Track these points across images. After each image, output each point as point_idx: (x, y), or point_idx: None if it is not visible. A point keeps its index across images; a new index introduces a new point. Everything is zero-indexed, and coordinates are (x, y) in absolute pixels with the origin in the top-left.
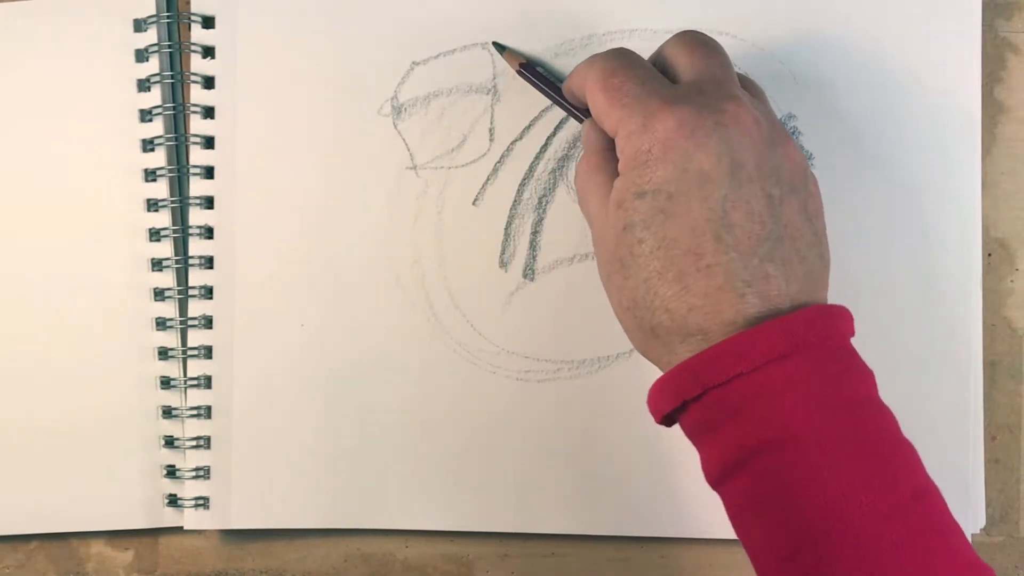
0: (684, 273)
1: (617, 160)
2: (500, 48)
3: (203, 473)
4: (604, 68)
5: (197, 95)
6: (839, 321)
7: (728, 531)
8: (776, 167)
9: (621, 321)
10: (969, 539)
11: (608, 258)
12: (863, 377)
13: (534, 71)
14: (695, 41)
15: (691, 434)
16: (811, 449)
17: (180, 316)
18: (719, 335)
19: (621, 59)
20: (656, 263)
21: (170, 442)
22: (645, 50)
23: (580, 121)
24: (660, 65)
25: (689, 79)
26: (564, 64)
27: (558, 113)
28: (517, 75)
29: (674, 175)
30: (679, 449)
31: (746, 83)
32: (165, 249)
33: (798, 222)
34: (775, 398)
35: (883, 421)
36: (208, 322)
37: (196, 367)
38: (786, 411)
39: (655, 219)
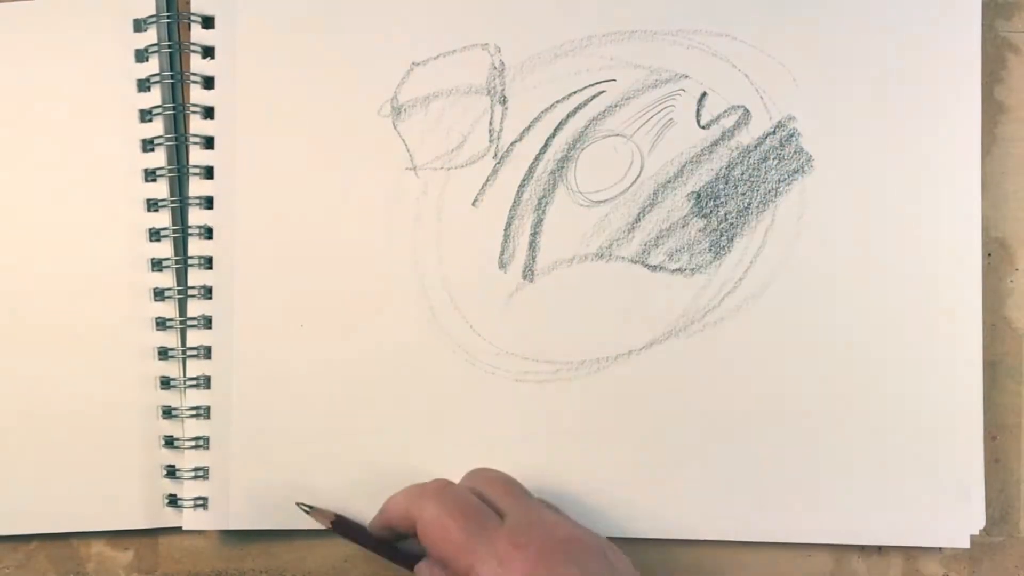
0: None
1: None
2: (307, 509)
3: (202, 473)
4: (438, 509)
5: (197, 95)
6: None
7: (728, 532)
8: (615, 570)
9: None
10: (969, 539)
11: None
12: None
13: (347, 523)
14: (502, 480)
15: None
16: None
17: (180, 316)
18: None
19: (451, 498)
20: None
21: (170, 442)
22: (645, 51)
23: (406, 566)
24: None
25: (513, 512)
26: (564, 64)
27: (557, 114)
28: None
29: None
30: (679, 449)
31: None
32: (165, 249)
33: None
34: None
35: None
36: (207, 322)
37: (195, 367)
38: None
39: None
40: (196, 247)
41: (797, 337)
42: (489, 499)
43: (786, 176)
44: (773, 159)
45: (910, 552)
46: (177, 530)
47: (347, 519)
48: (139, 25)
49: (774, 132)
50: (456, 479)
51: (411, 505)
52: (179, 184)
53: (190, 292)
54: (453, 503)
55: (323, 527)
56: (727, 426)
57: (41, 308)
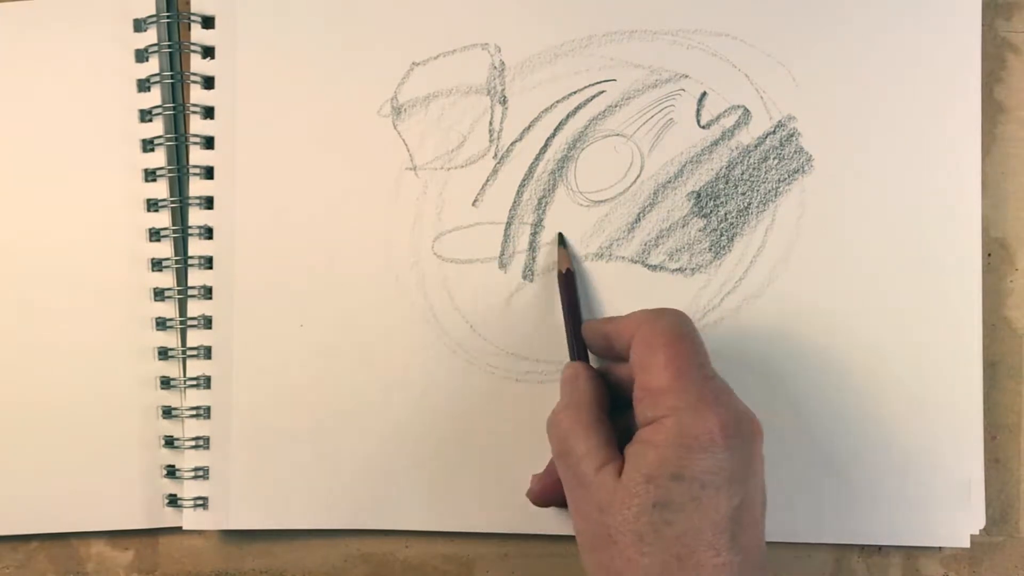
0: (701, 564)
1: (607, 419)
2: (562, 241)
3: (202, 473)
4: (672, 327)
5: (197, 95)
6: None
7: None
8: (764, 485)
9: None
10: (969, 539)
11: (614, 525)
12: None
13: (573, 284)
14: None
15: None
16: None
17: (180, 316)
18: None
19: (689, 327)
20: (679, 548)
21: (170, 442)
22: (645, 51)
23: (571, 357)
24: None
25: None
26: (564, 64)
27: (557, 114)
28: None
29: (712, 468)
30: None
31: None
32: (165, 249)
33: (763, 537)
34: None
35: None
36: (207, 322)
37: (196, 367)
38: None
39: (687, 505)
40: (196, 247)
41: (797, 337)
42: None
43: (786, 176)
44: (773, 159)
45: (910, 552)
46: (177, 530)
47: (575, 280)
48: (139, 25)
49: (774, 132)
50: (456, 479)
51: (647, 314)
52: (179, 184)
53: (190, 292)
54: (688, 328)
55: (560, 267)
56: None
57: (41, 308)
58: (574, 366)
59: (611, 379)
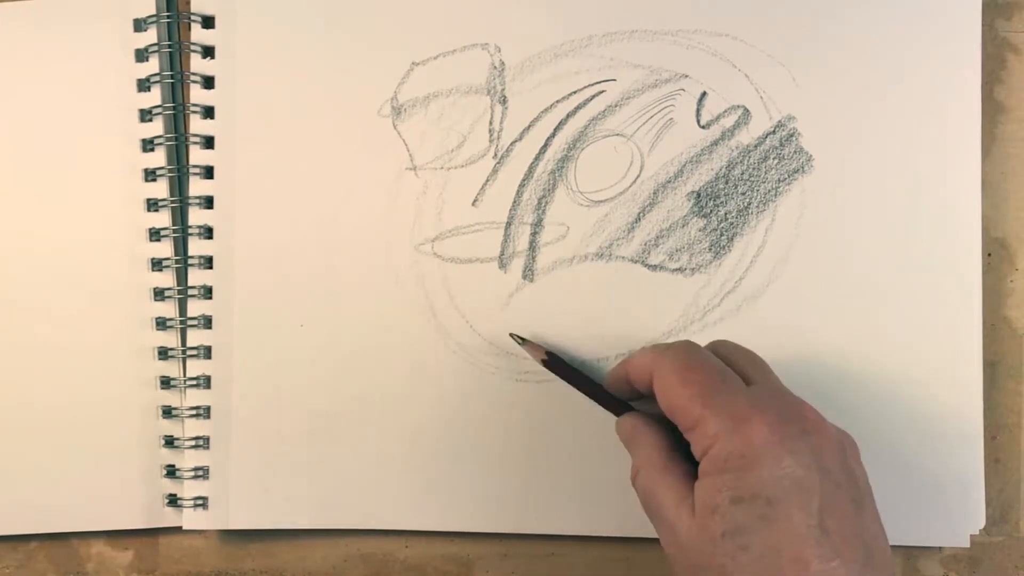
0: None
1: (678, 457)
2: (520, 340)
3: (202, 473)
4: (680, 362)
5: (197, 95)
6: None
7: None
8: (852, 473)
9: None
10: (969, 539)
11: (700, 563)
12: None
13: (561, 361)
14: (750, 354)
15: None
16: None
17: (180, 316)
18: None
19: (696, 354)
20: (764, 571)
21: (170, 442)
22: (645, 51)
23: (616, 413)
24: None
25: (759, 382)
26: (564, 64)
27: (557, 114)
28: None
29: (770, 481)
30: None
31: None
32: (165, 249)
33: (876, 528)
34: None
35: None
36: (207, 322)
37: (196, 367)
38: None
39: (757, 525)
40: (196, 247)
41: (797, 337)
42: (735, 364)
43: (786, 176)
44: (773, 159)
45: (910, 552)
46: (177, 530)
47: (560, 356)
48: (139, 25)
49: (774, 132)
50: (456, 478)
51: (655, 357)
52: (179, 184)
53: (190, 292)
54: (697, 357)
55: (536, 360)
56: None
57: (41, 308)
58: (626, 420)
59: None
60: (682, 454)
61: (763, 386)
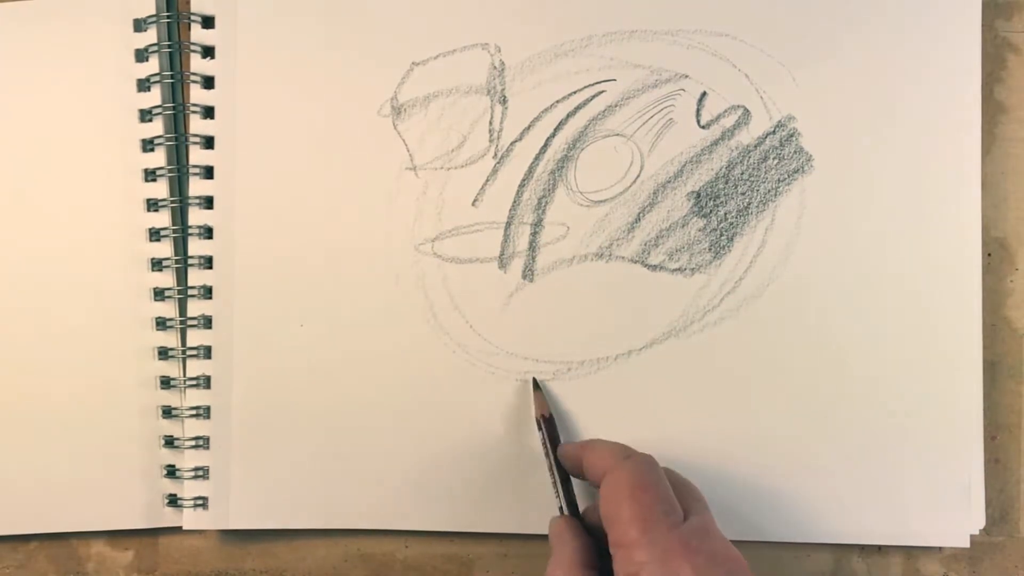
0: None
1: (594, 572)
2: (537, 385)
3: (202, 473)
4: (636, 477)
5: (197, 95)
6: None
7: (728, 532)
8: None
9: None
10: (969, 539)
11: None
12: None
13: (553, 428)
14: (692, 487)
15: None
16: None
17: (180, 316)
18: None
19: (652, 473)
20: None
21: (170, 442)
22: (645, 51)
23: (560, 507)
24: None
25: (696, 518)
26: (564, 64)
27: (557, 114)
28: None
29: None
30: (680, 449)
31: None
32: (165, 249)
33: None
34: None
35: None
36: (207, 322)
37: (195, 367)
38: None
39: None
40: (196, 247)
41: (797, 337)
42: (678, 493)
43: (786, 176)
44: (773, 159)
45: (910, 552)
46: (177, 530)
47: (555, 424)
48: (139, 25)
49: (774, 132)
50: (456, 479)
51: (614, 457)
52: (179, 184)
53: (190, 292)
54: (652, 477)
55: (536, 412)
56: (727, 426)
57: (41, 308)
58: (559, 523)
59: (599, 525)
60: (600, 568)
61: (698, 524)
